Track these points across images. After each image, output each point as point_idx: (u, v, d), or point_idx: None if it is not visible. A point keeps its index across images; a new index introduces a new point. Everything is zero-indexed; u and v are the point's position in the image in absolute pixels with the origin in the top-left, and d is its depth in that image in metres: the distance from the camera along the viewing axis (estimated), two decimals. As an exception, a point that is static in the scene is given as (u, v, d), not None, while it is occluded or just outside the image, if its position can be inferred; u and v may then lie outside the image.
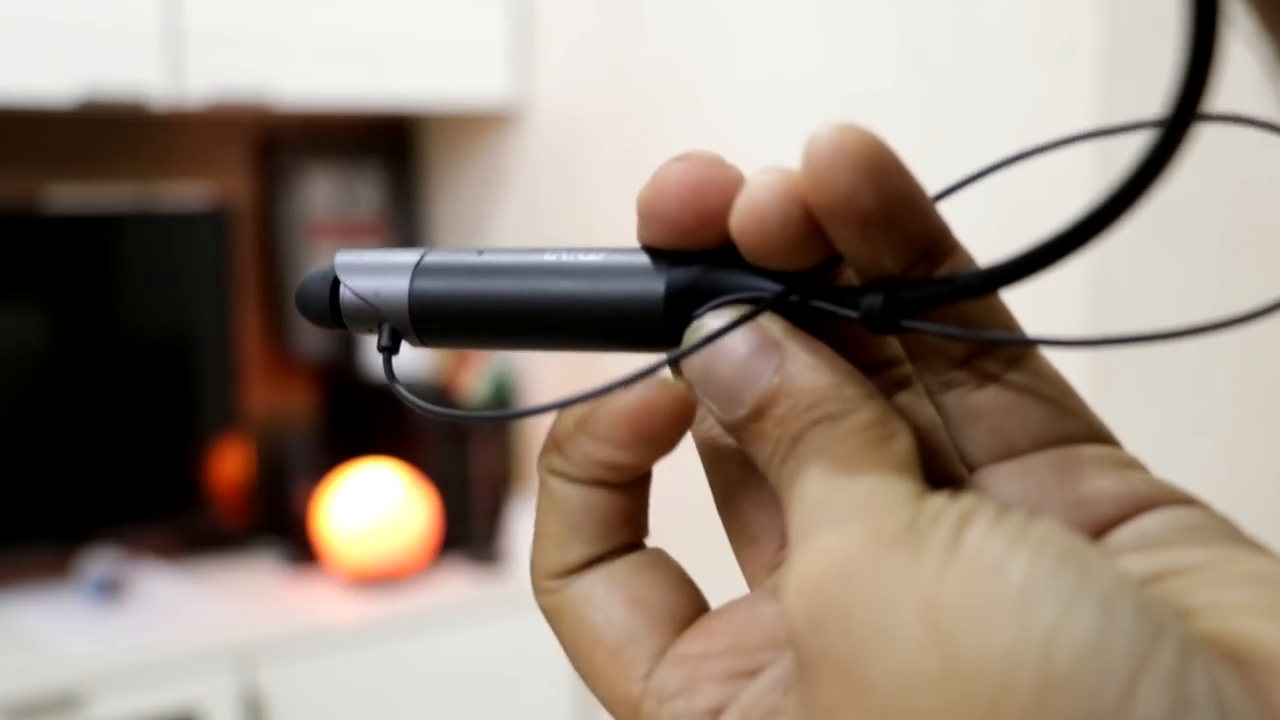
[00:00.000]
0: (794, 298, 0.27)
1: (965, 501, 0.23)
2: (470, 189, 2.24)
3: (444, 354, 2.16)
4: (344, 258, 0.31)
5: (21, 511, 1.93)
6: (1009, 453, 0.26)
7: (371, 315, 0.31)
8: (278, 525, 2.09)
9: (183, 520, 2.07)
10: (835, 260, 0.26)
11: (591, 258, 0.29)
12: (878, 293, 0.25)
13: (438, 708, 1.92)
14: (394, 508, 1.98)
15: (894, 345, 0.29)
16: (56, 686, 1.68)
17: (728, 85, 1.75)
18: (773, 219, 0.26)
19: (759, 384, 0.26)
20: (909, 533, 0.22)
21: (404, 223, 2.33)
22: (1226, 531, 0.25)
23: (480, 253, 0.30)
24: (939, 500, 0.23)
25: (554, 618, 0.29)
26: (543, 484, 0.29)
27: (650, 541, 0.30)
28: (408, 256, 0.31)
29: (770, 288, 0.27)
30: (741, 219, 0.26)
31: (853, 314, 0.26)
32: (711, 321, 0.26)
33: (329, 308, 0.31)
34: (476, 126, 2.19)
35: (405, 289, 0.30)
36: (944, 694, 0.21)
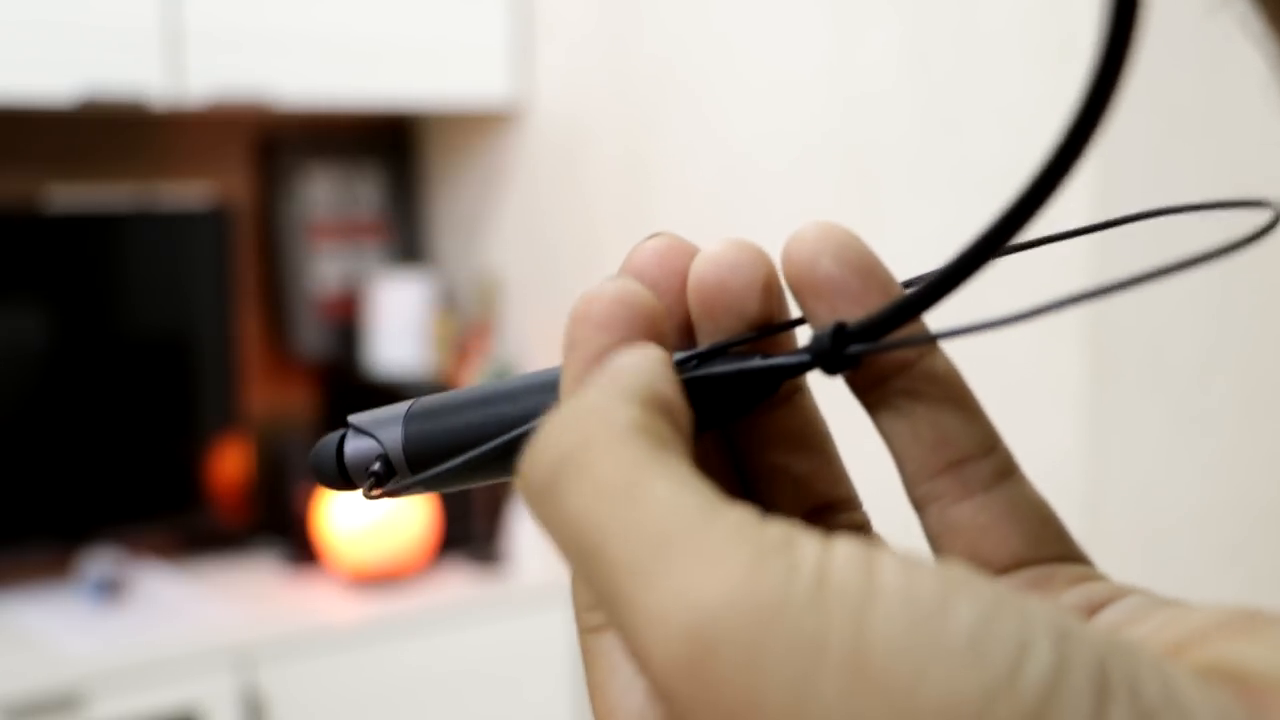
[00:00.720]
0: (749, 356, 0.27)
1: (844, 543, 0.20)
2: (470, 189, 2.24)
3: (444, 351, 2.16)
4: (357, 417, 0.32)
5: (21, 511, 1.93)
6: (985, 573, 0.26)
7: (370, 463, 0.31)
8: (278, 525, 2.09)
9: (183, 520, 2.07)
10: (798, 321, 0.27)
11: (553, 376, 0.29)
12: (824, 333, 0.26)
13: (438, 708, 1.92)
14: (394, 508, 1.98)
15: (847, 486, 0.29)
16: (56, 686, 1.68)
17: (728, 85, 1.75)
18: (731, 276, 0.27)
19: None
20: (794, 578, 0.19)
21: (404, 223, 2.33)
22: (1170, 603, 0.25)
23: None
24: (794, 531, 0.20)
25: (584, 655, 0.28)
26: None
27: None
28: (398, 408, 0.32)
29: (730, 367, 0.27)
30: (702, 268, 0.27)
31: (804, 358, 0.26)
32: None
33: (337, 466, 0.32)
34: (476, 126, 2.19)
35: (399, 436, 0.31)
36: None
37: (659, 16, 1.85)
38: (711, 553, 0.19)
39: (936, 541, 0.27)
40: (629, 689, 0.25)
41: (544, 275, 2.09)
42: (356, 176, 2.28)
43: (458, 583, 2.00)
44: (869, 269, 0.27)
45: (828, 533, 0.20)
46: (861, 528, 0.29)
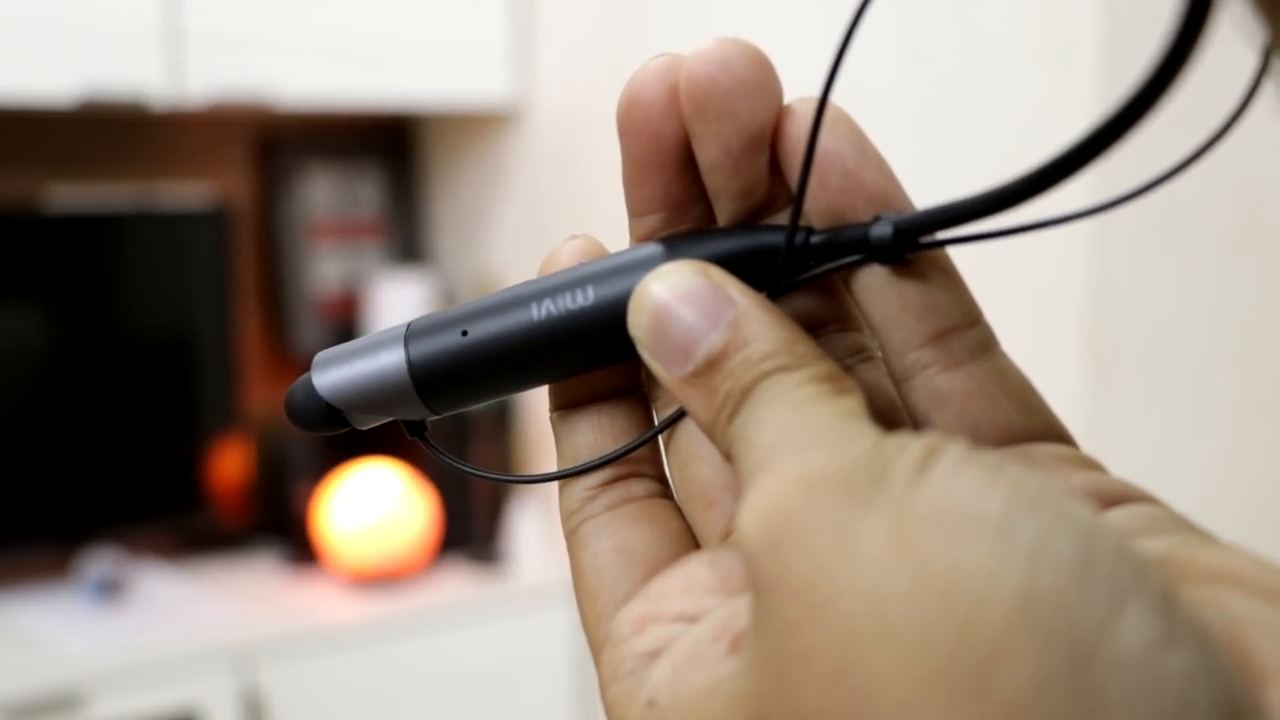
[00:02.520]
0: (797, 241, 0.27)
1: (931, 435, 0.22)
2: (470, 189, 2.24)
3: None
4: (324, 354, 0.30)
5: (21, 511, 1.93)
6: (976, 443, 0.26)
7: (375, 404, 0.29)
8: (278, 525, 2.09)
9: (183, 520, 2.07)
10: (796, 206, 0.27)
11: (577, 271, 0.28)
12: (884, 225, 0.26)
13: (438, 708, 1.92)
14: (394, 508, 1.98)
15: (848, 306, 0.29)
16: (56, 686, 1.68)
17: (728, 85, 1.75)
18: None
19: (710, 338, 0.25)
20: (874, 456, 0.22)
21: (404, 223, 2.33)
22: (1183, 524, 0.25)
23: (464, 332, 0.29)
24: (903, 434, 0.23)
25: (569, 560, 0.29)
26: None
27: None
28: (392, 331, 0.29)
29: (768, 240, 0.27)
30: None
31: (856, 257, 0.26)
32: (654, 284, 0.26)
33: (326, 410, 0.30)
34: (476, 126, 2.19)
35: (403, 363, 0.29)
36: (914, 609, 0.20)
37: (659, 16, 1.85)
38: (822, 441, 0.23)
39: (924, 412, 0.27)
40: (710, 464, 0.29)
41: (544, 275, 2.09)
42: (356, 176, 2.28)
43: (458, 583, 2.00)
44: (861, 144, 0.27)
45: (921, 432, 0.23)
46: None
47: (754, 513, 0.22)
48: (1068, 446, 0.27)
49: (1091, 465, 0.27)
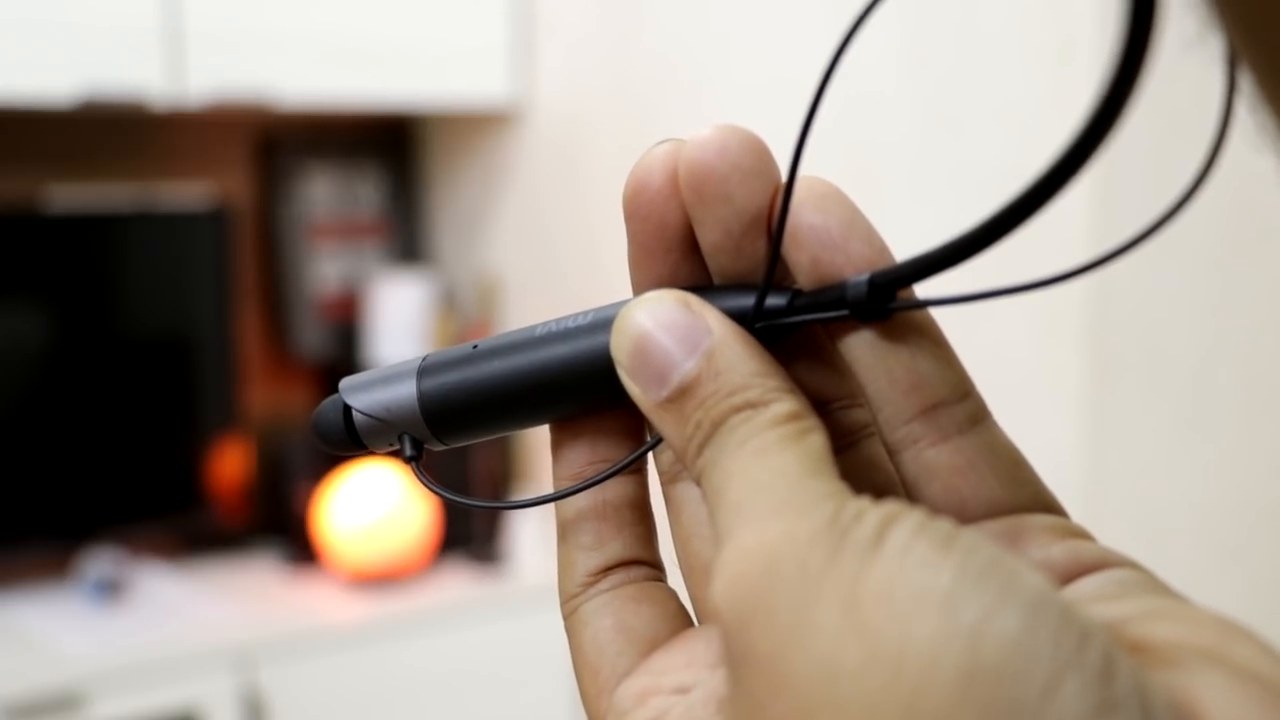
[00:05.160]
0: (779, 302, 0.27)
1: (889, 505, 0.23)
2: (470, 189, 2.24)
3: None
4: (349, 381, 0.32)
5: (21, 511, 1.93)
6: (962, 517, 0.27)
7: (389, 429, 0.31)
8: (278, 525, 2.09)
9: (183, 520, 2.07)
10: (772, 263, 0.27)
11: (580, 321, 0.30)
12: (860, 278, 0.26)
13: (438, 708, 1.92)
14: (394, 508, 1.98)
15: (849, 382, 0.29)
16: (56, 686, 1.68)
17: (728, 85, 1.75)
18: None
19: (685, 365, 0.26)
20: (830, 529, 0.23)
21: (404, 223, 2.33)
22: (1157, 588, 0.26)
23: (475, 346, 0.31)
24: (861, 501, 0.23)
25: (568, 639, 0.31)
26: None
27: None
28: (408, 363, 0.31)
29: (745, 304, 0.28)
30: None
31: (840, 312, 0.27)
32: (636, 310, 0.27)
33: (346, 434, 0.32)
34: (477, 126, 2.19)
35: (414, 393, 0.31)
36: (864, 683, 0.21)
37: (659, 17, 1.85)
38: (780, 510, 0.24)
39: (914, 486, 0.27)
40: (712, 542, 0.29)
41: (544, 275, 2.09)
42: (356, 176, 2.28)
43: (458, 583, 2.00)
44: (850, 220, 0.27)
45: (880, 499, 0.24)
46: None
47: (722, 588, 0.23)
48: (1056, 516, 0.28)
49: (1077, 534, 0.27)
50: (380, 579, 1.97)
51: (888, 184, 1.54)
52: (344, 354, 2.21)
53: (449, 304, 2.22)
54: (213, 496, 2.07)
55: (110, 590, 1.89)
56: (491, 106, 2.09)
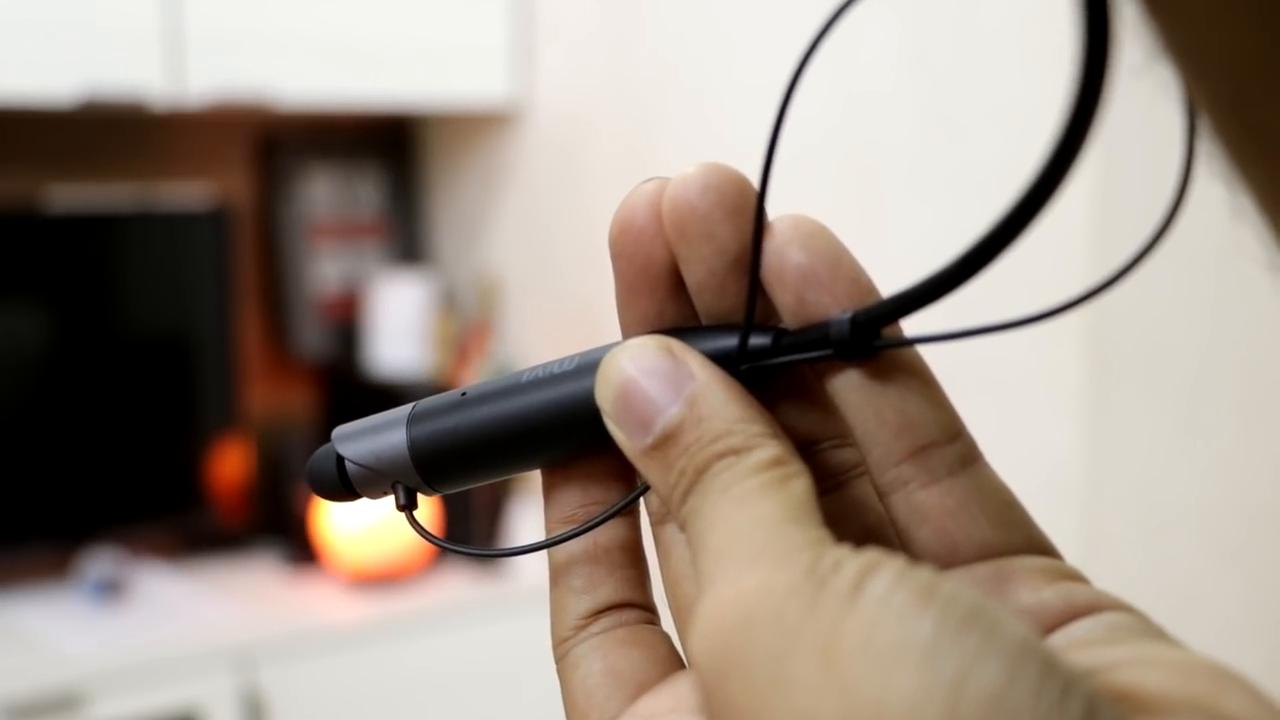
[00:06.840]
0: (763, 343, 0.27)
1: (869, 554, 0.23)
2: (470, 189, 2.24)
3: (444, 351, 2.16)
4: (341, 430, 0.32)
5: (21, 511, 1.93)
6: (953, 559, 0.27)
7: (381, 478, 0.32)
8: (278, 525, 2.09)
9: (183, 520, 2.07)
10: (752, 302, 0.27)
11: (566, 366, 0.30)
12: (843, 317, 0.26)
13: (438, 708, 1.92)
14: (393, 508, 1.98)
15: (838, 422, 0.29)
16: (56, 686, 1.68)
17: (728, 85, 1.75)
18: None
19: (669, 411, 0.26)
20: (808, 579, 0.22)
21: (404, 223, 2.33)
22: (1149, 631, 0.25)
23: (464, 393, 0.31)
24: (841, 549, 0.23)
25: (560, 682, 0.32)
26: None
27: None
28: (399, 411, 0.32)
29: (730, 345, 0.28)
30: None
31: (824, 352, 0.26)
32: (620, 357, 0.27)
33: (340, 483, 0.32)
34: (476, 126, 2.19)
35: (404, 441, 0.31)
36: None
37: (660, 17, 1.85)
38: (758, 559, 0.23)
39: (904, 528, 0.27)
40: (696, 581, 0.28)
41: (544, 275, 2.09)
42: (356, 176, 2.28)
43: (458, 583, 2.00)
44: (836, 258, 0.27)
45: (866, 543, 0.24)
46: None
47: (699, 640, 0.23)
48: (1048, 558, 0.27)
49: (1070, 576, 0.27)
50: (380, 579, 1.97)
51: (887, 184, 1.54)
52: (344, 354, 2.21)
53: (449, 304, 2.22)
54: (213, 496, 2.07)
55: (110, 590, 1.89)
56: (491, 107, 2.09)
